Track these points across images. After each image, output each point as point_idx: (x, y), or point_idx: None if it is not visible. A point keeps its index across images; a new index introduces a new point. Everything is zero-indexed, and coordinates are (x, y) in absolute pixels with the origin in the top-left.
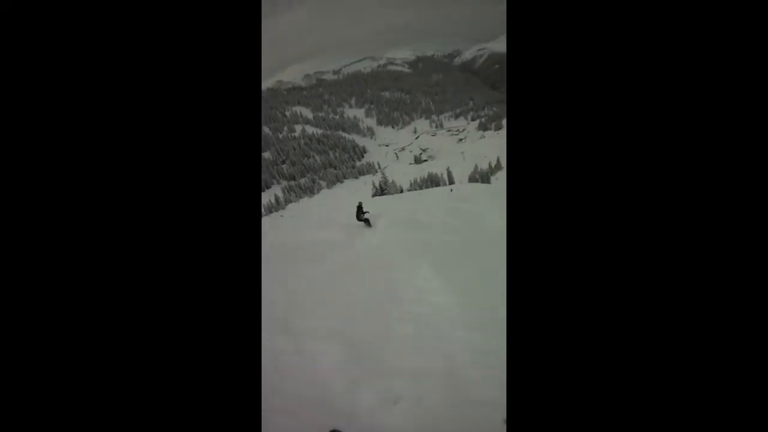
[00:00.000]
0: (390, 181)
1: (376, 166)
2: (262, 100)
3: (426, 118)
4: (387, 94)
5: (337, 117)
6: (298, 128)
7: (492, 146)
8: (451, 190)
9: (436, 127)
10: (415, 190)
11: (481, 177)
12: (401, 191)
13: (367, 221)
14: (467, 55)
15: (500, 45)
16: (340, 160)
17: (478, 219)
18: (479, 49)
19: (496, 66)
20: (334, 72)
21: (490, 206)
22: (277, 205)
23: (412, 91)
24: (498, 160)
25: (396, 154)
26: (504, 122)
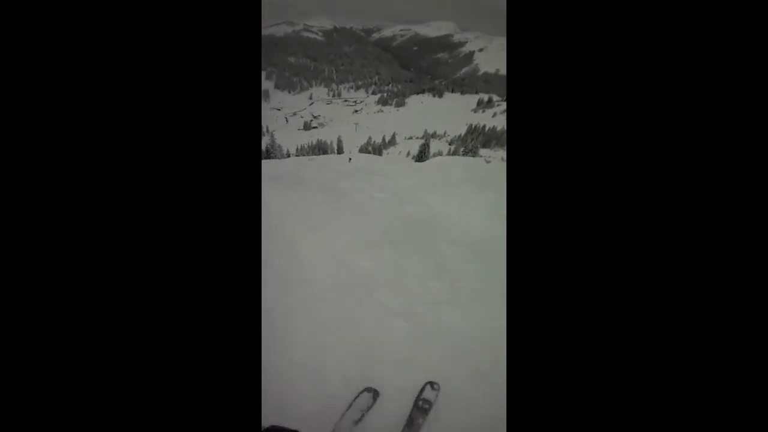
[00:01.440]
0: (277, 144)
1: (264, 129)
2: None
3: (325, 86)
4: (292, 59)
5: None
6: None
7: (389, 121)
8: (350, 159)
9: (333, 95)
10: (302, 155)
11: (373, 149)
12: (288, 155)
13: None
14: (387, 32)
15: (426, 29)
16: None
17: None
18: (402, 29)
19: (415, 48)
20: None
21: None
22: None
23: (318, 59)
24: (393, 136)
25: (286, 118)
26: (407, 100)
